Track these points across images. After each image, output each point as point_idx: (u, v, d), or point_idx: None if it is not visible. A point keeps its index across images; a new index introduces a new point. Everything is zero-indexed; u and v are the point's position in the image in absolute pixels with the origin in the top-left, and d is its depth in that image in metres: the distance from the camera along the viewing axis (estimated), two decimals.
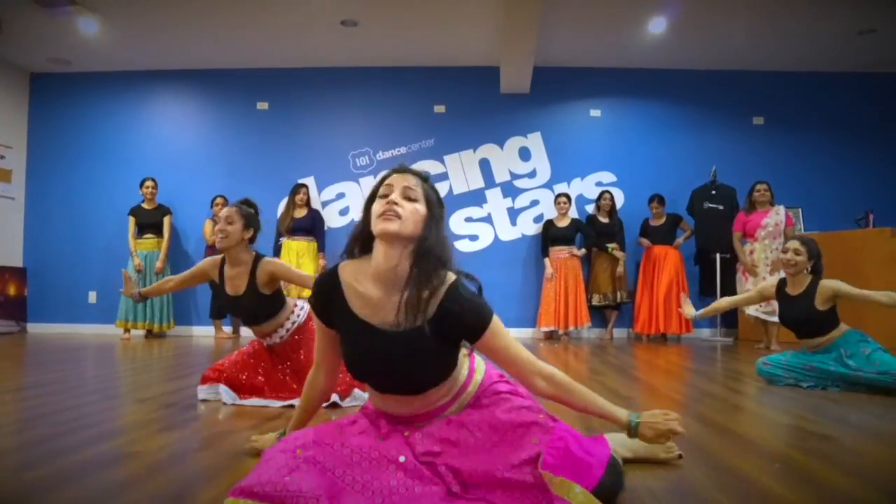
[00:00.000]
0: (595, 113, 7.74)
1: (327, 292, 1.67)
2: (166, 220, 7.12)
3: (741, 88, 7.73)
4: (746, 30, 6.71)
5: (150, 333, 7.14)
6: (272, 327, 3.17)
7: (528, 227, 7.62)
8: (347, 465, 1.48)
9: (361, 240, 1.68)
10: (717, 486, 1.75)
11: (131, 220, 7.03)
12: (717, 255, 6.96)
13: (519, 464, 1.48)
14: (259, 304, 3.10)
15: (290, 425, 1.88)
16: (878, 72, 7.66)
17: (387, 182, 1.63)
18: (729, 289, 6.85)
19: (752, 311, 6.16)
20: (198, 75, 7.82)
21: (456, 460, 1.54)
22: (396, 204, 1.56)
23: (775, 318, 5.62)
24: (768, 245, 6.16)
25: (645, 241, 7.14)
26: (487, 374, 1.75)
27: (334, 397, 2.95)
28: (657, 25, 6.63)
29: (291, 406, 2.91)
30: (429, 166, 7.39)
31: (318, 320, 1.72)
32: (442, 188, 6.91)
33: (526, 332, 7.42)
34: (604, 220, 7.24)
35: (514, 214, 7.65)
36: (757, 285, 6.02)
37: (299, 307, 3.25)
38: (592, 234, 7.13)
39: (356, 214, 7.29)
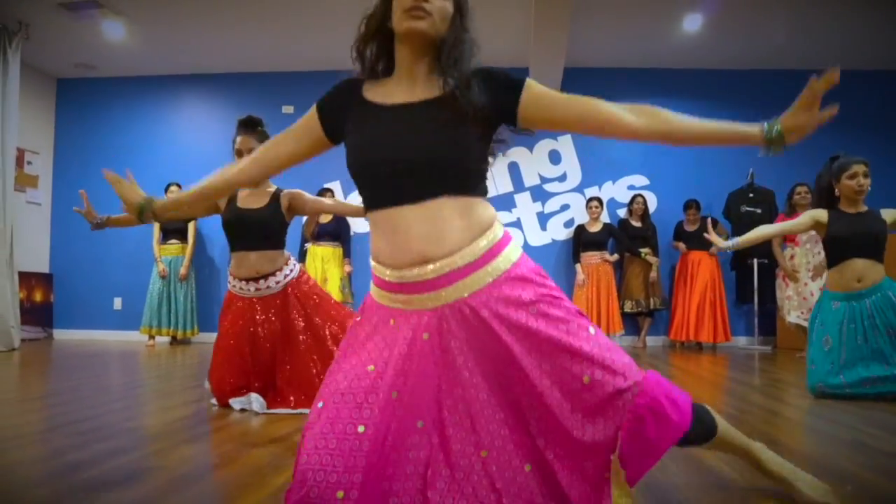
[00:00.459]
0: None
1: (344, 93, 1.50)
2: (191, 225, 7.05)
3: (778, 87, 7.48)
4: (786, 28, 6.50)
5: (174, 340, 7.07)
6: (269, 264, 3.17)
7: (559, 232, 7.44)
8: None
9: (377, 42, 1.48)
10: None
11: (156, 225, 6.96)
12: (755, 261, 6.73)
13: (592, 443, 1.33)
14: (274, 223, 3.18)
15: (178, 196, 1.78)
16: None
17: None
18: (767, 295, 6.63)
19: (793, 318, 5.90)
20: (222, 79, 7.77)
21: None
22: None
23: None
24: (810, 249, 5.91)
25: (680, 246, 6.93)
26: (524, 259, 1.45)
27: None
28: (693, 23, 6.43)
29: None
30: None
31: (312, 116, 1.52)
32: None
33: None
34: (636, 224, 7.05)
35: (543, 219, 7.47)
36: (798, 290, 5.82)
37: (292, 261, 3.29)
38: (625, 239, 6.94)
39: None
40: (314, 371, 3.06)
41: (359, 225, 7.42)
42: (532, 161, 7.51)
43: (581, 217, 7.26)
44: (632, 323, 7.13)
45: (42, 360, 5.54)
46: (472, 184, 1.41)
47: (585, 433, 1.33)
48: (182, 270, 6.93)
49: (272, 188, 3.25)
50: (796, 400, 3.42)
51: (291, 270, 3.25)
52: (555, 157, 7.52)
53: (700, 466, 1.97)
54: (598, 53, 7.21)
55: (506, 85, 1.40)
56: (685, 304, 6.77)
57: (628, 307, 6.95)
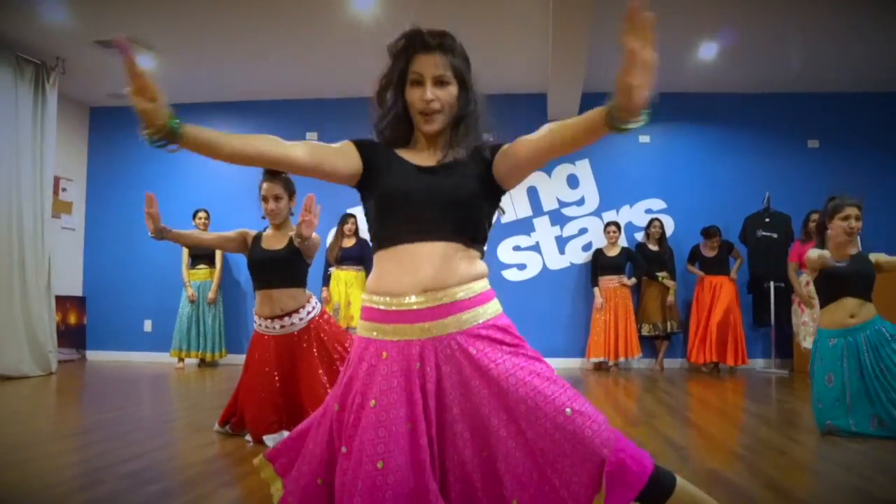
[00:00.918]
0: (644, 139, 7.66)
1: (378, 144, 1.70)
2: (218, 251, 7.25)
3: (794, 110, 7.57)
4: (801, 52, 6.56)
5: (202, 362, 7.28)
6: (291, 301, 3.37)
7: (577, 255, 7.57)
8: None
9: (400, 125, 1.68)
10: None
11: (185, 250, 7.18)
12: (771, 284, 6.81)
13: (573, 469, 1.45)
14: (293, 262, 3.38)
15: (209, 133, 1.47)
16: None
17: (414, 69, 1.60)
18: (784, 318, 6.71)
19: (808, 343, 5.99)
20: (248, 106, 7.98)
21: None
22: (433, 100, 1.58)
23: None
24: None
25: (695, 271, 7.03)
26: (504, 315, 1.63)
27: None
28: (708, 51, 6.54)
29: None
30: None
31: (350, 148, 1.66)
32: None
33: (574, 363, 7.34)
34: (653, 247, 7.16)
35: (562, 243, 7.60)
36: (814, 316, 5.89)
37: (314, 300, 3.50)
38: (643, 263, 7.05)
39: None
40: None
41: None
42: (550, 185, 7.65)
43: (599, 240, 7.38)
44: (649, 346, 7.23)
45: (77, 385, 5.78)
46: (478, 238, 1.63)
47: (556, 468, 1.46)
48: (210, 295, 7.14)
49: (293, 230, 3.41)
50: (806, 437, 3.52)
51: (314, 308, 3.45)
52: (573, 181, 7.65)
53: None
54: (614, 79, 7.30)
55: (491, 152, 1.63)
56: (706, 328, 6.84)
57: (646, 330, 7.06)
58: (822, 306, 3.70)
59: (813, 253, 3.65)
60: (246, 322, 7.65)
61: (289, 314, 3.38)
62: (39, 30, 5.95)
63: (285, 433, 3.18)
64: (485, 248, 1.67)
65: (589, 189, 7.63)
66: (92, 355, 7.88)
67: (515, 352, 1.54)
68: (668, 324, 7.02)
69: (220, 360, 7.34)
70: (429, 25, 1.65)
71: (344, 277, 6.89)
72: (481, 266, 1.62)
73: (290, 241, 3.39)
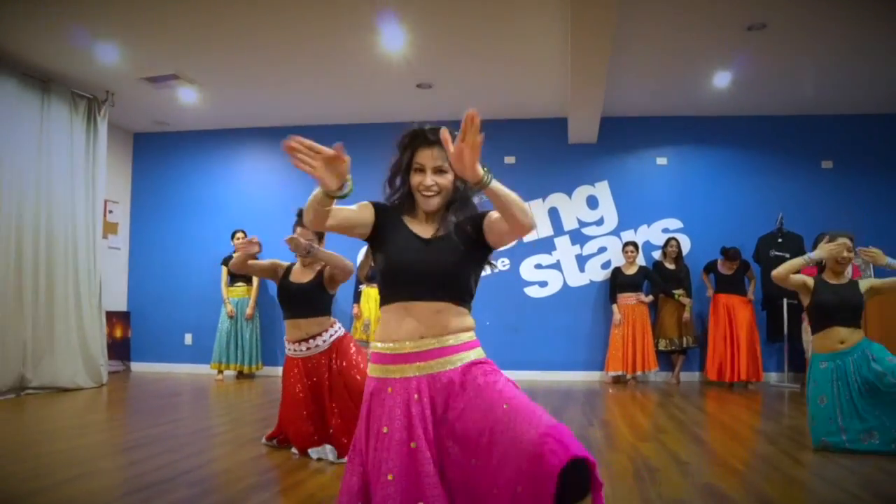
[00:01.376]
0: (661, 161, 7.95)
1: (390, 209, 2.02)
2: None
3: (808, 132, 7.77)
4: (815, 76, 6.74)
5: (240, 374, 7.69)
6: (316, 327, 3.74)
7: (596, 273, 7.87)
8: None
9: (407, 199, 2.01)
10: None
11: (224, 269, 7.60)
12: (785, 301, 7.05)
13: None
14: (318, 294, 3.77)
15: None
16: None
17: (418, 161, 1.94)
18: (796, 334, 6.94)
19: None
20: (283, 132, 8.32)
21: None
22: (433, 185, 1.92)
23: None
24: None
25: (708, 282, 7.39)
26: (487, 359, 1.96)
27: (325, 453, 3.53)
28: (722, 80, 6.78)
29: None
30: None
31: (368, 207, 2.00)
32: None
33: (594, 376, 7.64)
34: (670, 266, 7.44)
35: (582, 261, 7.91)
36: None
37: (338, 325, 3.89)
38: (660, 282, 7.34)
39: None
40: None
41: None
42: (571, 206, 7.96)
43: (617, 258, 7.68)
44: (666, 360, 7.51)
45: (122, 396, 6.21)
46: (467, 298, 1.97)
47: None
48: (248, 311, 7.56)
49: (320, 265, 3.83)
50: (802, 453, 3.80)
51: (337, 331, 3.85)
52: (592, 202, 7.96)
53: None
54: (633, 103, 7.60)
55: (479, 219, 1.98)
56: (723, 345, 7.06)
57: (662, 345, 7.34)
58: (813, 333, 4.03)
59: (797, 277, 3.98)
60: (280, 337, 8.04)
61: (313, 336, 3.76)
62: (92, 68, 6.42)
63: (329, 448, 3.55)
64: (472, 302, 2.02)
65: (608, 209, 7.93)
66: (136, 367, 8.35)
67: (498, 377, 1.89)
68: (685, 339, 7.30)
69: (256, 371, 7.75)
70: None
71: (374, 295, 7.25)
72: (469, 320, 1.96)
73: (317, 274, 3.81)
